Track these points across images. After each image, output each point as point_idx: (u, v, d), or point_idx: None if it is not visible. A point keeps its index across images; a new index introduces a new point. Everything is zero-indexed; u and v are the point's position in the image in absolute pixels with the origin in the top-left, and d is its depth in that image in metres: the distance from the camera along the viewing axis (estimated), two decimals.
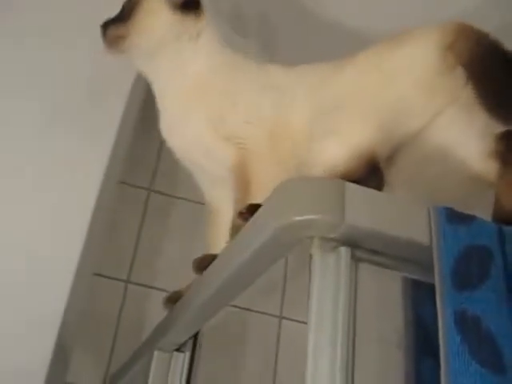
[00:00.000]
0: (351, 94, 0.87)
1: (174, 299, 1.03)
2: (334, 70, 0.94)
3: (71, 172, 1.19)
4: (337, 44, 0.97)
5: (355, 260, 0.65)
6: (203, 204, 1.61)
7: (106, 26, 1.05)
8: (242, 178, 0.96)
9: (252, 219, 0.72)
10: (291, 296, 1.60)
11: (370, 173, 0.78)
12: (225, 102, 1.00)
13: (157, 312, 1.14)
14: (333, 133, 0.84)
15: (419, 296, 0.65)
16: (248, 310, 1.53)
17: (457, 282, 0.62)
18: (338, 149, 0.82)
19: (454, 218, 0.66)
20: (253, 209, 0.76)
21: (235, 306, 1.49)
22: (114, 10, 1.07)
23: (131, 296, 1.50)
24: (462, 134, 0.83)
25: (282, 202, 0.66)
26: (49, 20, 1.30)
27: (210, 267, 0.84)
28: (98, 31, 1.09)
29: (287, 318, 1.58)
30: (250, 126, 0.97)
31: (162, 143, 1.34)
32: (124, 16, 1.03)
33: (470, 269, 0.63)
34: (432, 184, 0.87)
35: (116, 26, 1.04)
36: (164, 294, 1.43)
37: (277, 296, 1.60)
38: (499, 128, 0.80)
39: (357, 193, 0.64)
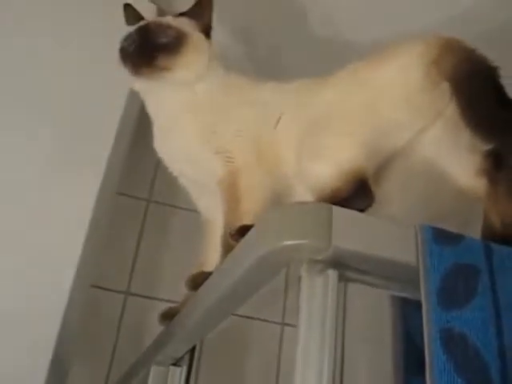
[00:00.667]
0: (336, 113, 0.88)
1: (169, 315, 1.05)
2: (319, 87, 0.95)
3: (67, 184, 1.20)
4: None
5: (344, 280, 0.67)
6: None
7: (148, 55, 1.01)
8: (230, 191, 0.98)
9: (242, 242, 0.74)
10: (293, 302, 1.61)
11: (359, 191, 0.79)
12: (217, 116, 1.03)
13: (157, 323, 1.16)
14: (320, 153, 0.85)
15: (409, 313, 0.66)
16: (250, 317, 1.54)
17: (443, 300, 0.63)
18: (325, 168, 0.83)
19: (440, 237, 0.67)
20: (243, 230, 0.77)
21: (236, 315, 1.50)
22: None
23: (131, 307, 1.52)
24: (449, 150, 0.84)
25: (271, 227, 0.68)
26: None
27: (204, 286, 0.86)
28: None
29: (289, 325, 1.60)
30: (239, 139, 1.00)
31: None
32: (172, 47, 1.02)
33: (456, 287, 0.64)
34: (421, 200, 0.87)
35: (166, 57, 1.01)
36: (164, 305, 1.48)
37: (279, 303, 1.62)
38: (484, 145, 0.81)
39: (343, 216, 0.66)
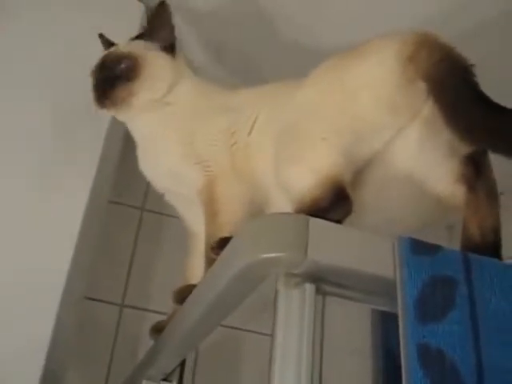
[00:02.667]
0: (313, 116, 0.88)
1: (158, 329, 1.08)
2: (294, 89, 0.94)
3: (56, 193, 1.20)
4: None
5: (322, 294, 0.69)
6: None
7: (107, 89, 1.06)
8: (208, 202, 1.01)
9: (221, 255, 0.76)
10: None
11: (338, 199, 0.79)
12: (192, 126, 1.07)
13: None
14: (297, 160, 0.85)
15: (390, 327, 0.68)
16: (243, 330, 1.56)
17: (420, 314, 0.64)
18: (303, 176, 0.83)
19: (418, 248, 0.68)
20: (223, 243, 0.79)
21: (230, 327, 1.52)
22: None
23: (126, 319, 1.54)
24: (427, 155, 0.83)
25: (247, 240, 0.70)
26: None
27: (188, 300, 0.88)
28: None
29: None
30: (214, 148, 1.03)
31: None
32: (128, 74, 1.06)
33: (434, 300, 0.65)
34: (399, 208, 0.88)
35: (124, 86, 1.06)
36: (160, 317, 1.50)
37: (270, 314, 1.63)
38: (467, 149, 0.81)
39: (320, 228, 0.68)
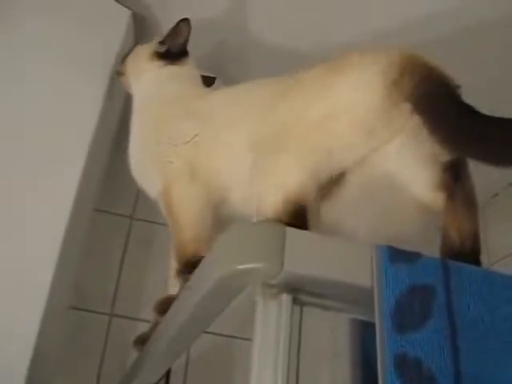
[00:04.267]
0: (291, 132, 0.88)
1: (141, 340, 1.07)
2: (275, 100, 0.95)
3: (39, 201, 1.19)
4: None
5: (299, 304, 0.69)
6: None
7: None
8: (166, 204, 1.04)
9: (199, 267, 0.76)
10: None
11: (297, 221, 0.78)
12: (160, 127, 1.11)
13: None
14: (268, 175, 0.87)
15: (369, 336, 0.67)
16: (234, 337, 1.55)
17: (398, 323, 0.64)
18: (269, 193, 0.84)
19: (397, 256, 0.68)
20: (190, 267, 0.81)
21: (221, 335, 1.52)
22: None
23: (116, 329, 1.53)
24: (407, 162, 0.84)
25: (224, 251, 0.71)
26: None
27: (170, 311, 0.88)
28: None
29: None
30: (175, 149, 1.05)
31: None
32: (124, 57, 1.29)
33: (412, 309, 0.65)
34: (381, 216, 0.88)
35: (120, 63, 1.29)
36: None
37: None
38: (447, 156, 0.82)
39: (298, 238, 0.68)
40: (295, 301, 0.68)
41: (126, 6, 1.35)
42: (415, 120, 0.80)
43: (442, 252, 0.80)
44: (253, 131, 0.95)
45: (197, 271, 0.77)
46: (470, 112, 0.76)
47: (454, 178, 0.82)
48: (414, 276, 0.67)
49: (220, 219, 1.05)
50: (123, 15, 1.35)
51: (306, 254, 0.67)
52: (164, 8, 1.36)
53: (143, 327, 1.51)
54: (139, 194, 1.67)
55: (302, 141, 0.85)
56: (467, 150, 0.78)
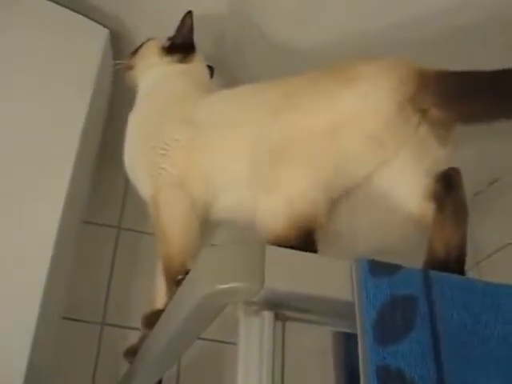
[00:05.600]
0: (296, 144, 0.86)
1: (131, 352, 1.07)
2: (278, 107, 0.92)
3: (27, 215, 1.18)
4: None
5: (282, 319, 0.69)
6: None
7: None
8: (154, 213, 1.02)
9: (182, 285, 0.76)
10: None
11: (305, 247, 0.77)
12: (157, 130, 1.08)
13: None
14: (273, 189, 0.84)
15: (353, 348, 0.68)
16: (224, 342, 1.55)
17: (379, 336, 0.65)
18: (275, 209, 0.82)
19: (377, 269, 0.69)
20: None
21: (215, 340, 1.52)
22: None
23: (108, 338, 1.54)
24: (405, 175, 0.84)
25: (205, 270, 0.71)
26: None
27: (156, 326, 0.89)
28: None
29: None
30: (165, 157, 1.03)
31: (127, 180, 1.37)
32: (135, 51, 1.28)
33: (393, 321, 0.66)
34: (378, 228, 0.88)
35: (128, 57, 1.28)
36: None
37: None
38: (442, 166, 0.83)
39: (277, 256, 0.69)
40: (277, 316, 0.69)
41: (102, 25, 1.34)
42: (423, 131, 0.82)
43: (425, 262, 0.80)
44: (254, 135, 0.93)
45: (180, 289, 0.77)
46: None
47: (446, 189, 0.82)
48: (394, 288, 0.68)
49: (208, 226, 1.04)
50: (100, 33, 1.34)
51: (286, 271, 0.68)
52: (139, 25, 1.36)
53: (135, 335, 1.51)
54: (125, 204, 1.69)
55: (309, 153, 0.84)
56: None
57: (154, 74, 1.22)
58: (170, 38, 1.26)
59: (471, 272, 1.44)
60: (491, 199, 1.61)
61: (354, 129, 0.83)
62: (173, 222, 1.00)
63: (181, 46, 1.24)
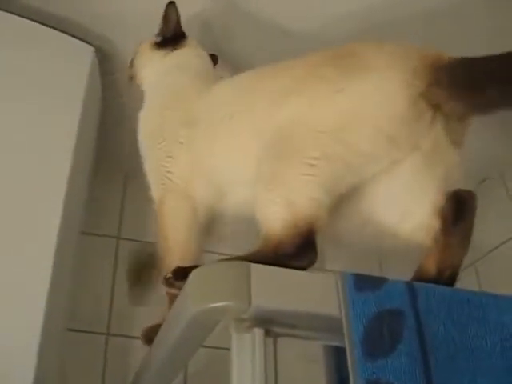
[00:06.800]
0: (300, 135, 0.83)
1: (151, 334, 0.99)
2: (282, 96, 0.89)
3: (26, 228, 1.20)
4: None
5: (273, 336, 0.71)
6: None
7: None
8: (158, 218, 1.02)
9: (175, 303, 0.78)
10: None
11: (304, 249, 0.78)
12: (160, 134, 1.09)
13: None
14: (275, 185, 0.82)
15: (344, 361, 0.70)
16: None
17: (368, 350, 0.67)
18: (276, 210, 0.80)
19: (362, 283, 0.71)
20: (179, 273, 0.82)
21: (220, 348, 1.54)
22: None
23: (113, 348, 1.56)
24: (416, 186, 0.83)
25: (196, 289, 0.73)
26: None
27: (154, 343, 0.91)
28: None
29: None
30: (171, 160, 1.04)
31: (124, 190, 1.40)
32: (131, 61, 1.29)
33: (381, 335, 0.68)
34: (377, 231, 0.87)
35: (128, 67, 1.30)
36: None
37: None
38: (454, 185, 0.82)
39: (263, 274, 0.71)
40: (268, 333, 0.71)
41: (88, 43, 1.37)
42: (436, 128, 0.80)
43: (415, 276, 0.81)
44: (258, 129, 0.90)
45: (173, 307, 0.79)
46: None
47: (457, 214, 0.81)
48: (380, 301, 0.70)
49: (217, 225, 1.04)
50: (86, 51, 1.36)
51: (272, 288, 0.70)
52: (125, 42, 1.38)
53: (140, 344, 1.55)
54: (123, 214, 1.71)
55: (317, 147, 0.81)
56: None
57: (154, 71, 1.23)
58: (158, 34, 1.26)
59: (467, 270, 1.45)
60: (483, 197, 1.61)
61: (364, 125, 0.80)
62: (175, 231, 1.00)
63: (172, 38, 1.25)
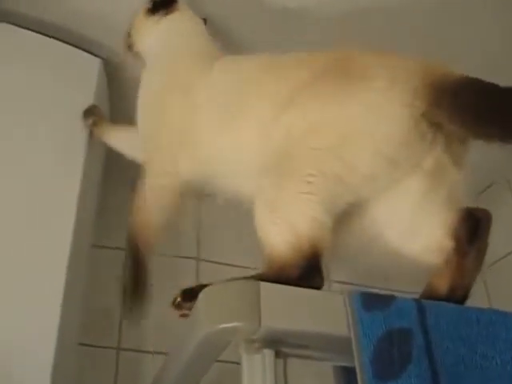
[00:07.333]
0: (299, 152, 0.82)
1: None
2: (280, 107, 0.88)
3: (38, 242, 1.21)
4: None
5: (283, 356, 0.72)
6: (182, 258, 1.70)
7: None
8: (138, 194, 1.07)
9: (185, 326, 0.79)
10: None
11: (310, 272, 0.78)
12: (156, 106, 1.13)
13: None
14: (276, 207, 0.81)
15: (353, 381, 0.70)
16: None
17: (378, 371, 0.67)
18: (278, 232, 0.79)
19: (370, 302, 0.71)
20: (187, 296, 0.82)
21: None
22: None
23: (124, 363, 1.57)
24: (424, 205, 0.83)
25: (206, 310, 0.74)
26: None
27: (164, 361, 0.91)
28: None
29: None
30: (164, 134, 1.07)
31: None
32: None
33: (391, 355, 0.68)
34: (386, 251, 0.87)
35: (126, 37, 1.29)
36: (156, 357, 1.52)
37: None
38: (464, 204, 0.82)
39: (272, 293, 0.72)
40: (278, 353, 0.71)
41: (95, 55, 1.39)
42: (438, 149, 0.80)
43: (424, 294, 0.81)
44: (261, 127, 0.90)
45: (185, 327, 0.80)
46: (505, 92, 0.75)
47: (472, 235, 0.81)
48: (389, 321, 0.70)
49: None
50: (94, 64, 1.38)
51: (281, 309, 0.71)
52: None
53: (150, 358, 1.56)
54: None
55: (315, 163, 0.80)
56: None
57: (150, 37, 1.25)
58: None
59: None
60: (489, 203, 1.61)
61: (363, 146, 0.79)
62: (153, 209, 1.05)
63: (162, 2, 1.26)
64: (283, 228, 0.79)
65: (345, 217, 0.84)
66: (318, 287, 0.78)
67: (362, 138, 0.80)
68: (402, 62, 0.84)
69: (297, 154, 0.83)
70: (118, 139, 1.32)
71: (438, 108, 0.78)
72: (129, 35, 1.30)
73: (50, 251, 1.21)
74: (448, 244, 0.81)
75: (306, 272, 0.77)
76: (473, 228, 0.81)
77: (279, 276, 0.77)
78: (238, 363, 1.47)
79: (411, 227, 0.84)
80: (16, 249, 1.19)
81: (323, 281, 0.79)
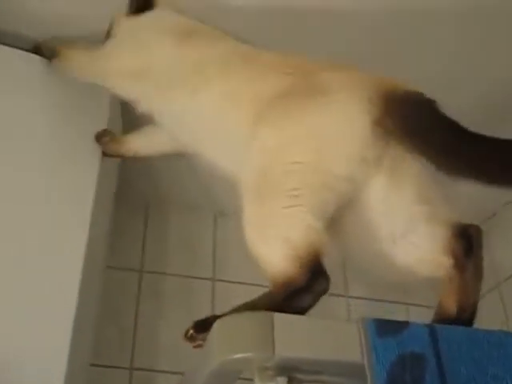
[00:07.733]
0: (281, 168, 0.86)
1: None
2: (252, 121, 0.93)
3: (50, 267, 1.21)
4: None
5: (296, 383, 0.73)
6: (194, 278, 1.70)
7: None
8: None
9: (200, 353, 0.80)
10: None
11: (314, 277, 0.80)
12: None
13: None
14: (267, 226, 0.84)
15: None
16: None
17: None
18: (274, 250, 0.82)
19: (383, 329, 0.72)
20: (200, 327, 0.82)
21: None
22: None
23: (137, 383, 1.58)
24: (420, 220, 0.86)
25: (220, 340, 0.75)
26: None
27: None
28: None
29: None
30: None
31: (145, 223, 1.41)
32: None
33: (403, 379, 0.69)
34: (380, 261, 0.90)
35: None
36: (169, 376, 1.54)
37: None
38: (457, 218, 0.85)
39: (285, 323, 0.73)
40: (291, 380, 0.72)
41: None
42: (391, 155, 0.85)
43: (436, 318, 0.83)
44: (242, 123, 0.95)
45: (198, 357, 0.81)
46: (459, 130, 0.81)
47: (467, 250, 0.83)
48: (402, 346, 0.71)
49: None
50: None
51: (295, 338, 0.72)
52: None
53: (163, 378, 1.57)
54: (145, 247, 1.74)
55: (297, 177, 0.85)
56: (467, 172, 0.81)
57: None
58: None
59: (491, 294, 1.45)
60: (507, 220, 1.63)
61: (337, 152, 0.86)
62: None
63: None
64: (277, 245, 0.82)
65: (341, 225, 0.88)
66: (325, 290, 0.81)
67: (334, 146, 0.86)
68: (360, 76, 0.93)
69: (275, 172, 0.87)
70: (140, 142, 1.33)
71: (389, 118, 0.84)
72: (107, 36, 1.29)
73: (62, 272, 1.22)
74: (446, 261, 0.84)
75: (312, 277, 0.79)
76: (468, 244, 0.84)
77: (287, 290, 0.79)
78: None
79: (395, 230, 0.87)
80: (28, 269, 1.20)
81: (329, 282, 0.82)
